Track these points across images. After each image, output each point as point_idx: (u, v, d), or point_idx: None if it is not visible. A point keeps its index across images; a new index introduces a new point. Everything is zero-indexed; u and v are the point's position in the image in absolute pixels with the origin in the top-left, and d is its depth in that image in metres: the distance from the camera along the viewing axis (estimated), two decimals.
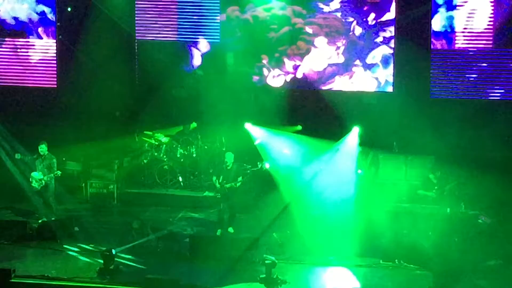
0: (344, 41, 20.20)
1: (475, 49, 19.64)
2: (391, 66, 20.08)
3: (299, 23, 20.36)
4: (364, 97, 20.35)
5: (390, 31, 19.91)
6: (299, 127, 19.95)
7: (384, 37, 19.98)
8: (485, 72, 19.71)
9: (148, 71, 20.90)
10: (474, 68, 19.75)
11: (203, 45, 20.90)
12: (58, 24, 21.44)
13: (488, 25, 19.40)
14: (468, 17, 19.56)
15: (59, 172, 16.83)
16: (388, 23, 19.96)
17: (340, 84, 20.39)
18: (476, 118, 19.28)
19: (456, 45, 19.75)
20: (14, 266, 13.36)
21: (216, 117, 20.08)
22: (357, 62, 20.21)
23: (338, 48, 20.24)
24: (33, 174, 16.70)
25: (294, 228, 16.12)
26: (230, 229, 16.27)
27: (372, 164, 18.29)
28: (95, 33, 20.59)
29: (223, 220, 16.21)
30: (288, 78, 20.63)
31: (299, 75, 20.56)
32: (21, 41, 21.37)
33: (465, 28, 19.62)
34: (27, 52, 21.46)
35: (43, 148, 16.77)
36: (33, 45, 21.43)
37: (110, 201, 18.75)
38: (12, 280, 12.74)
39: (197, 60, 20.99)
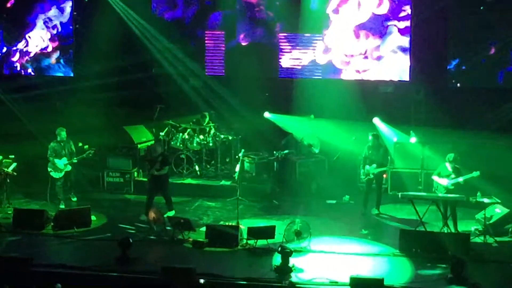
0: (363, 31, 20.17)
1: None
2: (408, 53, 19.93)
3: None
4: (380, 86, 20.24)
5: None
6: (312, 116, 19.91)
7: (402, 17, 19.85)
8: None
9: (165, 60, 20.94)
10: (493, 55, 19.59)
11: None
12: (75, 13, 21.51)
13: None
14: None
15: (92, 151, 17.15)
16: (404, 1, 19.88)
17: (356, 73, 20.31)
18: (495, 106, 19.18)
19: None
20: (32, 255, 13.44)
21: (233, 107, 20.08)
22: (373, 50, 20.13)
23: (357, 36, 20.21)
24: (58, 163, 16.72)
25: (312, 216, 16.20)
26: (170, 213, 16.13)
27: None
28: (110, 22, 20.63)
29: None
30: (304, 66, 20.60)
31: (316, 63, 20.54)
32: None
33: None
34: None
35: (63, 135, 16.81)
36: None
37: (127, 190, 18.85)
38: (30, 269, 12.83)
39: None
